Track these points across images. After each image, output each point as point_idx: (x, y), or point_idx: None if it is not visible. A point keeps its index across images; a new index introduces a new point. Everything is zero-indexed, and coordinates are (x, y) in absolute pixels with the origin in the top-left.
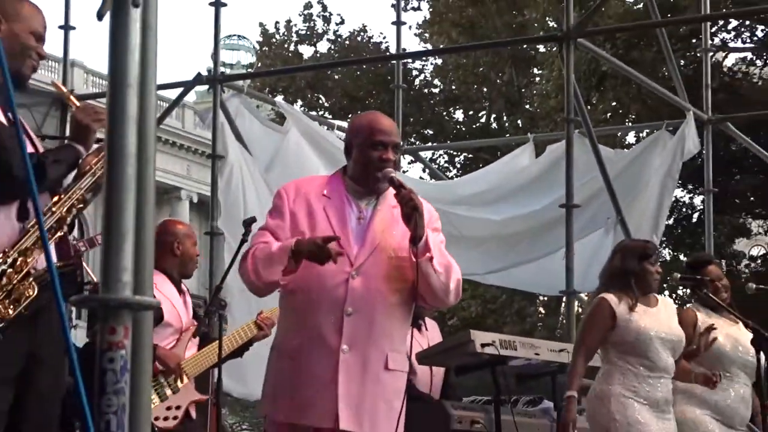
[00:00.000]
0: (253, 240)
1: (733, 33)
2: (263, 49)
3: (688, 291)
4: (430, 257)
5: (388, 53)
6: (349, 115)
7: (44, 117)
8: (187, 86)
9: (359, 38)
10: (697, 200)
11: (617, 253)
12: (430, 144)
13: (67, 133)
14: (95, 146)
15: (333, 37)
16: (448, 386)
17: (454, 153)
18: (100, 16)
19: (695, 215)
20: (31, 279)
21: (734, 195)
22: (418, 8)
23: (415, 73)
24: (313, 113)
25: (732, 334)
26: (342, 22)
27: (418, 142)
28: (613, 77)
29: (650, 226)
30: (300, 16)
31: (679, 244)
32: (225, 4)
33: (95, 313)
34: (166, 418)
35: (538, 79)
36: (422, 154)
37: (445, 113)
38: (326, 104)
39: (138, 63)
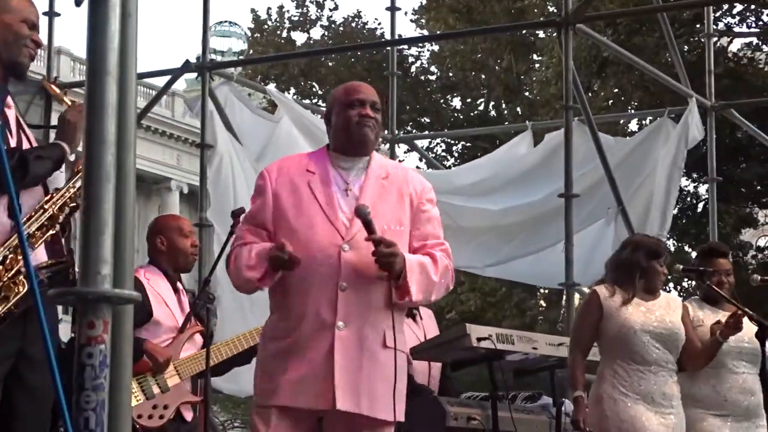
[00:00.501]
0: (235, 236)
1: (737, 18)
2: (255, 36)
3: (693, 282)
4: (408, 301)
5: (383, 39)
6: None
7: (28, 105)
8: (175, 74)
9: (353, 24)
10: (702, 189)
11: (628, 245)
12: (426, 132)
13: (53, 122)
14: None
15: (327, 24)
16: (446, 379)
17: (452, 141)
18: (78, 2)
19: (700, 205)
20: (21, 276)
21: (740, 184)
22: None
23: (411, 60)
24: (307, 101)
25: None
26: (336, 7)
27: (414, 131)
28: (614, 64)
29: (659, 220)
30: (292, 2)
31: (683, 234)
32: None
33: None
34: (150, 417)
35: (537, 65)
36: (419, 142)
37: (442, 101)
38: (320, 92)
39: (117, 51)
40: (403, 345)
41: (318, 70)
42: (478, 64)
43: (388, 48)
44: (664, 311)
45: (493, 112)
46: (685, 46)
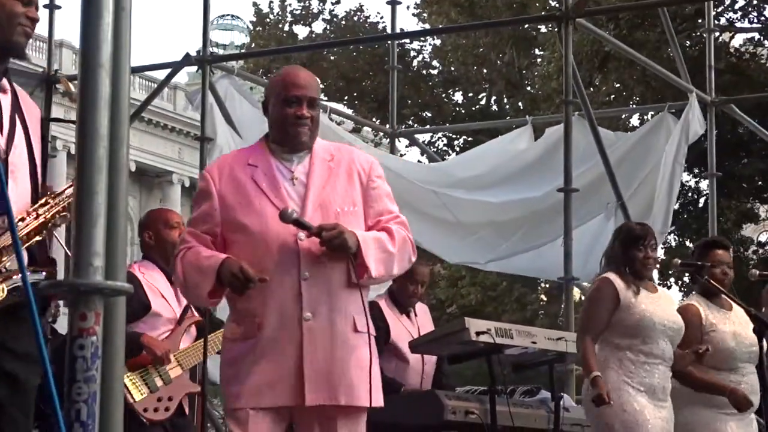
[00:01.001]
0: (179, 242)
1: (740, 13)
2: (257, 29)
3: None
4: (368, 277)
5: (385, 33)
6: (345, 98)
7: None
8: (176, 67)
9: (356, 18)
10: (703, 184)
11: (612, 236)
12: (428, 127)
13: (53, 115)
14: None
15: (328, 17)
16: (441, 374)
17: (453, 136)
18: None
19: (701, 200)
20: (0, 279)
21: (741, 179)
22: None
23: (413, 54)
24: None
25: (732, 330)
26: (338, 1)
27: (416, 125)
28: (616, 58)
29: (661, 217)
30: None
31: (684, 229)
32: None
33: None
34: (156, 410)
35: (539, 60)
36: (420, 137)
37: (443, 95)
38: (322, 86)
39: (110, 44)
40: (371, 327)
41: (320, 63)
42: (479, 58)
43: (390, 42)
44: (666, 304)
45: (494, 107)
46: (687, 41)
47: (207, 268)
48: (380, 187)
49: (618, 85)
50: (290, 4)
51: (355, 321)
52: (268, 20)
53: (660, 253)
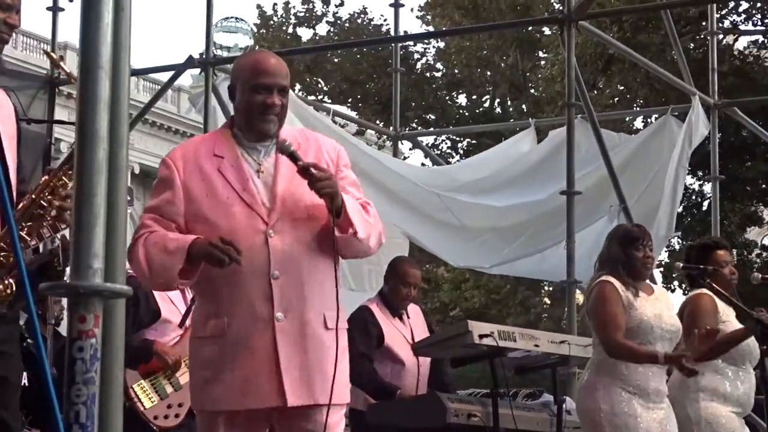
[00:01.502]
0: (138, 227)
1: (743, 16)
2: (261, 31)
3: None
4: (353, 233)
5: (388, 35)
6: (349, 100)
7: (32, 99)
8: (179, 69)
9: (359, 20)
10: (707, 187)
11: (606, 239)
12: (431, 129)
13: (56, 117)
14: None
15: (332, 19)
16: (443, 374)
17: (457, 138)
18: None
19: (705, 203)
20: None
21: (745, 182)
22: None
23: (416, 56)
24: (312, 98)
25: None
26: (341, 3)
27: (419, 127)
28: (620, 61)
29: (666, 222)
30: None
31: (688, 232)
32: None
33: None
34: (166, 417)
35: (543, 62)
36: (424, 139)
37: (447, 97)
38: (325, 88)
39: (110, 45)
40: (343, 321)
41: (323, 66)
42: (483, 60)
43: (393, 44)
44: (664, 306)
45: (498, 109)
46: (691, 44)
47: (176, 249)
48: (348, 176)
49: (621, 88)
50: (294, 7)
51: (325, 318)
52: (271, 22)
53: (663, 256)
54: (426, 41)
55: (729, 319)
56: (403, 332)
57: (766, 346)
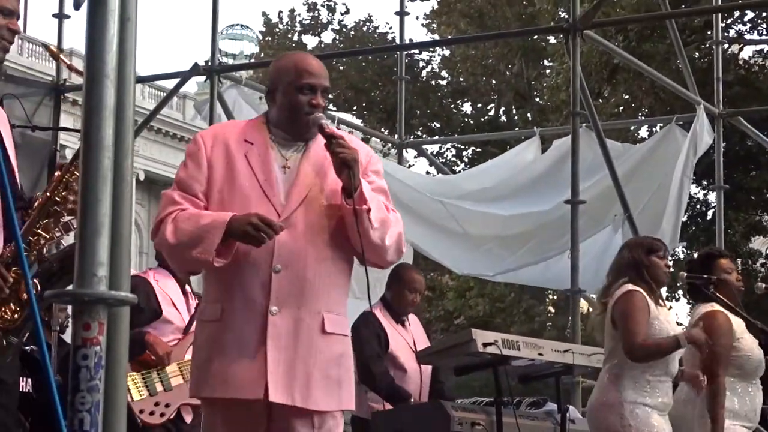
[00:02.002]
0: (166, 203)
1: (748, 25)
2: (266, 39)
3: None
4: (366, 209)
5: (393, 44)
6: (354, 108)
7: (37, 106)
8: (184, 77)
9: (365, 28)
10: (711, 197)
11: (624, 248)
12: (436, 137)
13: (62, 124)
14: None
15: (338, 27)
16: (440, 383)
17: (462, 147)
18: (77, 5)
19: (710, 212)
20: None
21: (750, 192)
22: None
23: (422, 64)
24: None
25: (752, 339)
26: (347, 11)
27: (424, 136)
28: (625, 70)
29: (670, 232)
30: (304, 5)
31: (692, 241)
32: None
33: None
34: (152, 413)
35: (548, 71)
36: (428, 147)
37: (452, 106)
38: (330, 96)
39: (116, 54)
40: (345, 328)
41: (328, 73)
42: (488, 69)
43: (398, 52)
44: (673, 321)
45: (503, 118)
46: (696, 53)
47: (212, 224)
48: (375, 182)
49: (626, 97)
50: (299, 14)
51: (324, 321)
52: (277, 30)
53: None
54: (431, 49)
55: (743, 336)
56: (406, 339)
57: None
